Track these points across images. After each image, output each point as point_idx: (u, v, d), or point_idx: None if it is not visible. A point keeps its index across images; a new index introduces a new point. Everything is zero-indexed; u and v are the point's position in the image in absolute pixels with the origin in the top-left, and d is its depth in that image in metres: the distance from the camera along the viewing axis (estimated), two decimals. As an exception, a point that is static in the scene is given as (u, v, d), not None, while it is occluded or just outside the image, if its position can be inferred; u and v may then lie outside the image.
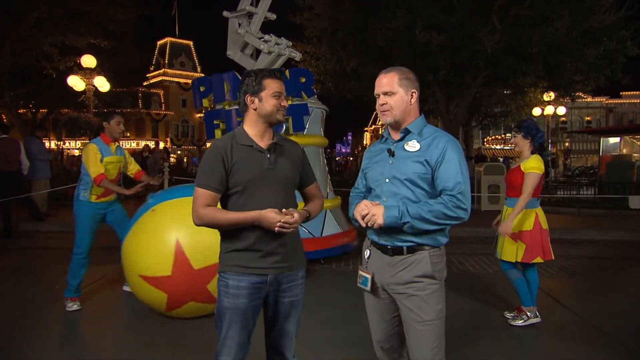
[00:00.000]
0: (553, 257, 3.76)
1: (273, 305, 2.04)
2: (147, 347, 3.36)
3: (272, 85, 1.96)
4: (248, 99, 1.98)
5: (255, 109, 1.97)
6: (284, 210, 1.88)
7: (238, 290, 1.93)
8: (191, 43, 46.05)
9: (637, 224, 9.08)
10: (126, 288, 4.44)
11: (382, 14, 11.56)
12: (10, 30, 13.18)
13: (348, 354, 3.24)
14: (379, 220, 1.84)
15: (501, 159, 20.90)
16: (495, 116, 21.67)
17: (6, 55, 13.45)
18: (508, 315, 3.94)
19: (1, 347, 3.34)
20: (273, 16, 6.84)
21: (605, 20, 11.22)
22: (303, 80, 6.01)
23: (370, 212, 1.86)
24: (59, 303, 4.17)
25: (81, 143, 35.59)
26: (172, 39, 44.23)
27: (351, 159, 37.45)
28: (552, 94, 16.29)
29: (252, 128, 2.00)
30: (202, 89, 6.35)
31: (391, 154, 2.00)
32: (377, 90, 2.00)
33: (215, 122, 6.05)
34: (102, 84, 11.49)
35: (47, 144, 18.73)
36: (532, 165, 3.64)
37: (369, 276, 2.05)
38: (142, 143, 31.45)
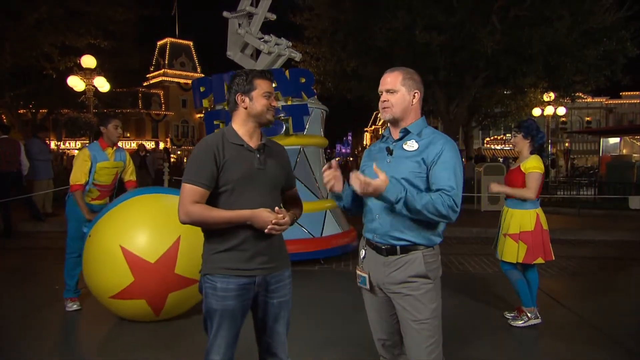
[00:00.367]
0: (553, 258, 3.76)
1: (262, 307, 2.04)
2: (146, 347, 3.36)
3: (262, 85, 1.98)
4: (239, 97, 1.98)
5: (245, 108, 1.98)
6: (276, 209, 1.89)
7: (226, 293, 1.92)
8: (191, 43, 46.07)
9: (637, 224, 9.09)
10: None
11: (382, 15, 11.57)
12: (10, 30, 13.17)
13: (348, 354, 3.24)
14: (381, 188, 1.79)
15: (501, 159, 20.92)
16: (495, 116, 21.69)
17: (6, 55, 13.44)
18: (508, 315, 3.94)
19: (1, 347, 3.35)
20: (273, 16, 6.85)
21: (605, 21, 11.22)
22: (303, 80, 6.02)
23: (374, 182, 1.80)
24: (59, 303, 4.17)
25: (81, 143, 35.67)
26: (172, 39, 44.24)
27: (351, 159, 37.45)
28: (552, 95, 16.29)
29: (241, 127, 2.00)
30: (202, 89, 6.36)
31: (389, 152, 2.02)
32: (380, 87, 2.04)
33: (215, 122, 6.04)
34: (102, 84, 11.49)
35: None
36: (533, 165, 3.65)
37: (365, 275, 2.07)
38: (141, 144, 31.43)
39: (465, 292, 4.68)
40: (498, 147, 39.62)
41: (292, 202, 2.18)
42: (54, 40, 13.77)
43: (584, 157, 36.73)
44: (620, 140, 19.39)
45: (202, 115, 9.52)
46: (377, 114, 45.52)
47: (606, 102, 40.94)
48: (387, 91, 2.01)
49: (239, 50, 6.80)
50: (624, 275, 5.67)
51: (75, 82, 11.17)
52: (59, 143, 24.26)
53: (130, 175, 4.36)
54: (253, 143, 2.00)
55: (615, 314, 4.17)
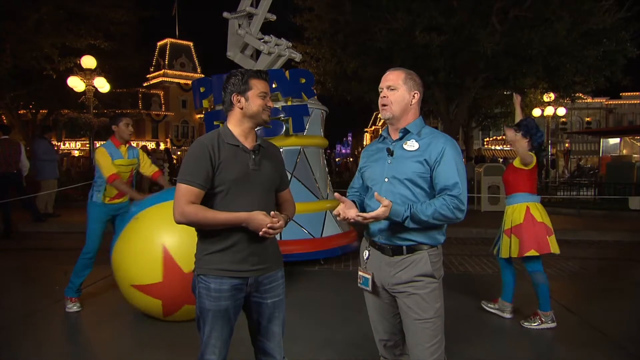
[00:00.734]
0: (551, 251, 3.70)
1: (256, 308, 2.04)
2: (146, 348, 3.36)
3: (258, 86, 1.98)
4: (234, 98, 1.98)
5: (241, 108, 1.98)
6: (272, 212, 1.89)
7: (220, 294, 1.93)
8: (191, 44, 46.12)
9: (637, 225, 9.09)
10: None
11: (382, 16, 11.57)
12: (10, 31, 13.20)
13: (347, 355, 3.23)
14: (385, 214, 1.86)
15: (501, 160, 20.93)
16: (495, 117, 21.74)
17: (6, 56, 13.46)
18: (506, 315, 3.94)
19: (1, 347, 3.35)
20: (273, 17, 6.85)
21: (604, 22, 11.21)
22: (303, 81, 6.02)
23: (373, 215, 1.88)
24: (59, 303, 4.17)
25: (81, 144, 35.67)
26: (172, 40, 44.29)
27: (351, 159, 37.45)
28: (552, 95, 16.31)
29: (237, 127, 2.00)
30: (202, 89, 6.36)
31: (390, 153, 2.02)
32: (381, 84, 2.06)
33: (215, 123, 6.04)
34: (102, 84, 11.49)
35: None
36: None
37: (369, 276, 2.07)
38: (141, 144, 31.48)
39: (465, 293, 4.68)
40: (498, 148, 39.64)
41: (285, 203, 2.17)
42: (54, 42, 13.78)
43: (584, 157, 36.73)
44: (620, 140, 19.42)
45: (202, 115, 9.53)
46: (377, 115, 45.58)
47: (606, 103, 40.96)
48: (388, 87, 2.03)
49: (239, 50, 6.81)
50: (624, 276, 5.67)
51: (76, 83, 11.18)
52: (58, 144, 24.23)
53: (150, 168, 4.39)
54: (248, 144, 1.99)
55: (615, 314, 4.17)
